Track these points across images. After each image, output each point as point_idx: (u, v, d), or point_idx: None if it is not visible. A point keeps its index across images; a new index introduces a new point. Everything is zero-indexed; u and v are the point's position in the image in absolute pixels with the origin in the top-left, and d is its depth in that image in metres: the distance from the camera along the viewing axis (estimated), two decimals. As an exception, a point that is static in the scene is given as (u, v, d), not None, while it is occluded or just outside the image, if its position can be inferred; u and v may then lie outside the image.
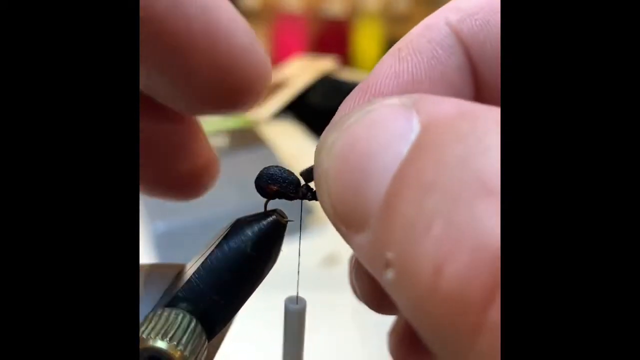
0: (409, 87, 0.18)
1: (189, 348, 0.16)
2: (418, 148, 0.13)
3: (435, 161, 0.12)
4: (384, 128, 0.14)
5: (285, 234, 0.18)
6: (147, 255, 0.58)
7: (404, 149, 0.13)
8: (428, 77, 0.18)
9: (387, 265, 0.12)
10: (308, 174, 0.18)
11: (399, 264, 0.12)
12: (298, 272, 0.21)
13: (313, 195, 0.18)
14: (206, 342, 0.17)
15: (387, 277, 0.12)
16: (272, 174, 0.18)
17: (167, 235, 0.56)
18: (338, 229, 0.15)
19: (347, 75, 1.03)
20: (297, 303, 0.20)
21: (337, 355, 0.44)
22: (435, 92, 0.18)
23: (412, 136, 0.13)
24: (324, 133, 0.16)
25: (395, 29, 1.36)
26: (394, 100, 0.15)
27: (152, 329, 0.16)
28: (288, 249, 0.19)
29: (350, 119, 0.15)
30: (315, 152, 0.16)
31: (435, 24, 0.18)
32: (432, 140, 0.13)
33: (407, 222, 0.12)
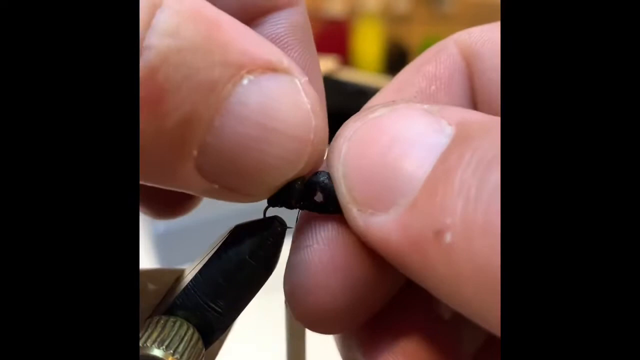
0: (428, 99, 0.20)
1: (185, 356, 0.16)
2: (461, 138, 0.15)
3: (490, 142, 0.14)
4: (413, 123, 0.16)
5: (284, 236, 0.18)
6: (147, 256, 0.58)
7: (443, 140, 0.15)
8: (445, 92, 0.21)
9: (444, 230, 0.14)
10: (307, 184, 0.17)
11: (461, 226, 0.13)
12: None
13: (309, 206, 0.17)
14: (203, 350, 0.17)
15: (446, 240, 0.14)
16: None
17: (167, 235, 0.56)
18: (348, 211, 0.16)
19: (347, 75, 1.02)
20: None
21: (338, 355, 0.44)
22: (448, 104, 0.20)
23: (449, 131, 0.15)
24: (344, 124, 0.17)
25: (395, 29, 1.36)
26: (418, 105, 0.17)
27: (149, 336, 0.16)
28: (287, 250, 0.18)
29: (374, 113, 0.17)
30: (334, 137, 0.17)
31: (446, 45, 0.21)
32: (473, 132, 0.15)
33: (466, 192, 0.13)
